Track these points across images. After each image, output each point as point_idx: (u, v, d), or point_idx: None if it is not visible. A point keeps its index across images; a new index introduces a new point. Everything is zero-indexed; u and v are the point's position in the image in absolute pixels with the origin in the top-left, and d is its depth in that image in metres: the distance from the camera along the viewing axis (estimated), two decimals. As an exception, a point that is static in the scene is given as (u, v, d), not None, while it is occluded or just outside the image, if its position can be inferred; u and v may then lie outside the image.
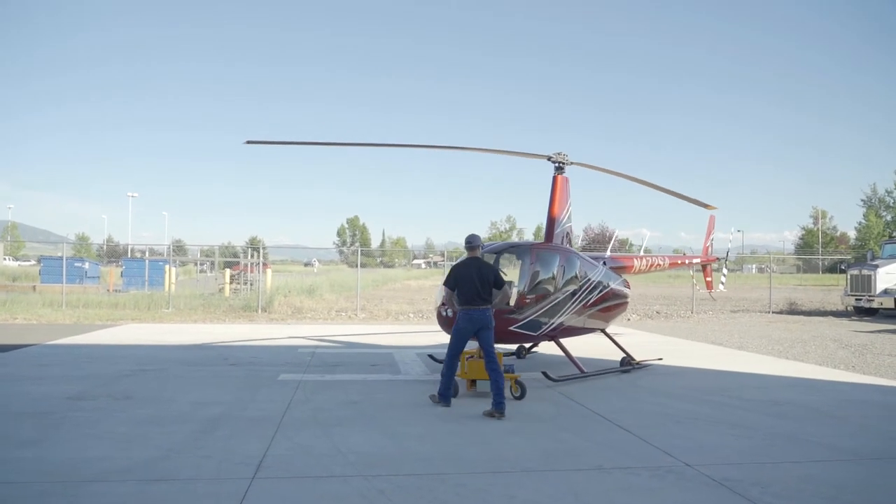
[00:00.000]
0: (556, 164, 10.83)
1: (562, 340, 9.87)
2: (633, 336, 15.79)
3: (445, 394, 7.53)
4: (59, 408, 7.08)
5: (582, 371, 9.50)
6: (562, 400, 8.00)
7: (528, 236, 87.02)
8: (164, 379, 9.09)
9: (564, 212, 10.86)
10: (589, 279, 10.17)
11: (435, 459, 5.40)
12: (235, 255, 39.33)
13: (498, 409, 6.94)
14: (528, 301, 9.18)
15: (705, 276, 16.32)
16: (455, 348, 7.55)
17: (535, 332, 9.39)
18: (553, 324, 9.54)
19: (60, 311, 20.48)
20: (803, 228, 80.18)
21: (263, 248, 32.02)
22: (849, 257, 44.25)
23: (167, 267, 27.81)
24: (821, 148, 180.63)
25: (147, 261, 31.35)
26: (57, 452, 5.43)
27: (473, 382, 8.38)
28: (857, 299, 22.51)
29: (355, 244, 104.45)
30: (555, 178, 10.83)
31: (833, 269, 46.59)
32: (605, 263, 11.11)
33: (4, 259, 64.27)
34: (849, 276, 23.31)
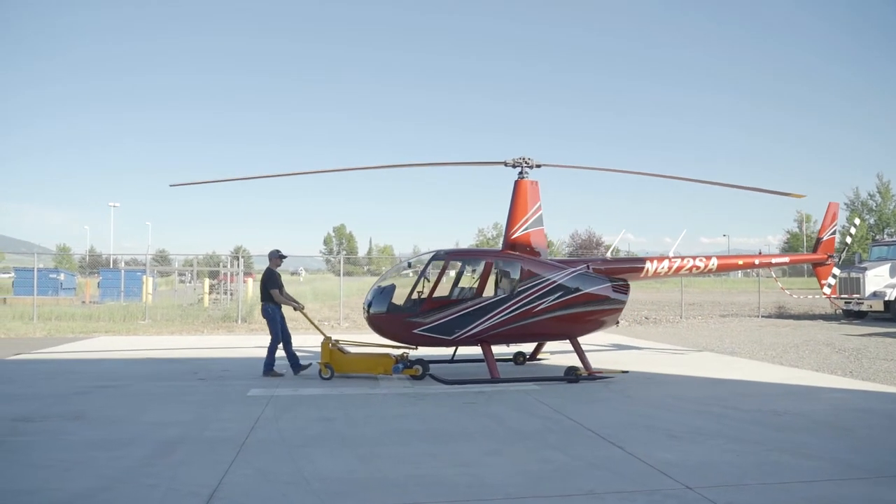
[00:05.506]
0: (519, 169, 10.70)
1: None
2: (620, 343, 15.38)
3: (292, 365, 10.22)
4: (-1, 431, 6.46)
5: (493, 377, 9.44)
6: (549, 413, 7.49)
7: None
8: (124, 396, 8.48)
9: (528, 216, 10.55)
10: (539, 283, 9.84)
11: (409, 485, 4.87)
12: (218, 265, 38.56)
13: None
14: (434, 306, 9.58)
15: (821, 278, 13.58)
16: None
17: (450, 336, 9.57)
18: (476, 328, 9.57)
19: (31, 324, 19.71)
20: (788, 232, 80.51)
21: (246, 257, 31.29)
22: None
23: (145, 277, 27.05)
24: (803, 151, 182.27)
25: (123, 271, 30.52)
26: (-18, 485, 4.84)
27: (327, 366, 9.76)
28: (846, 302, 22.27)
29: (341, 253, 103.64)
30: (516, 183, 10.69)
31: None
32: (588, 267, 10.53)
33: (-18, 271, 62.78)
34: (837, 279, 23.06)
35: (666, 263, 11.44)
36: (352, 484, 4.91)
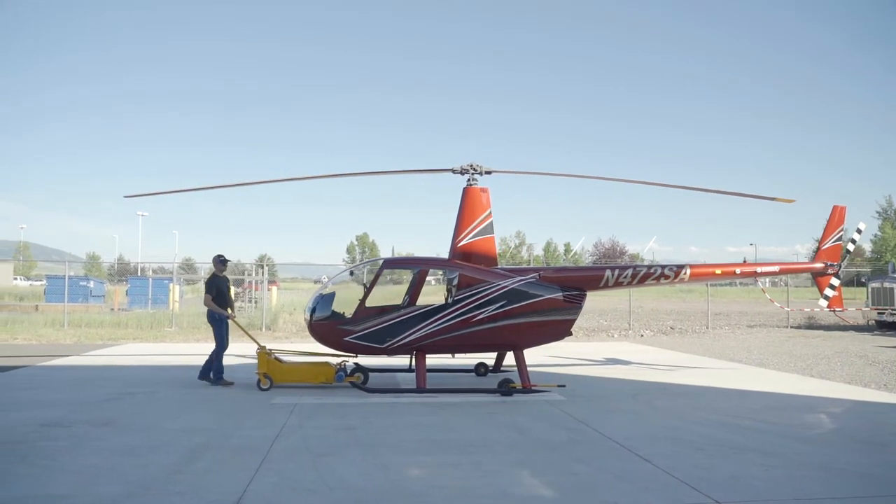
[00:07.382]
0: (467, 176, 10.54)
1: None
2: (645, 353, 15.18)
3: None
4: (29, 436, 6.58)
5: (419, 387, 9.40)
6: (574, 424, 7.42)
7: (538, 252, 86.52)
8: (151, 403, 8.60)
9: (475, 224, 10.28)
10: (478, 292, 9.56)
11: (431, 496, 4.84)
12: (243, 273, 38.97)
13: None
14: (366, 313, 9.55)
15: (821, 289, 12.22)
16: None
17: (382, 344, 9.50)
18: (408, 337, 9.47)
19: (62, 330, 20.11)
20: (817, 241, 78.92)
21: (269, 265, 31.57)
22: (867, 270, 43.26)
23: (171, 285, 27.47)
24: (832, 160, 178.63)
25: (151, 279, 31.03)
26: (12, 490, 4.91)
27: (266, 377, 9.71)
28: (879, 313, 21.78)
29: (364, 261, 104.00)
30: (464, 190, 10.51)
31: (849, 282, 45.52)
32: (538, 276, 10.06)
33: (16, 279, 64.29)
34: (870, 290, 22.58)
35: (629, 272, 10.65)
36: (374, 493, 4.90)
